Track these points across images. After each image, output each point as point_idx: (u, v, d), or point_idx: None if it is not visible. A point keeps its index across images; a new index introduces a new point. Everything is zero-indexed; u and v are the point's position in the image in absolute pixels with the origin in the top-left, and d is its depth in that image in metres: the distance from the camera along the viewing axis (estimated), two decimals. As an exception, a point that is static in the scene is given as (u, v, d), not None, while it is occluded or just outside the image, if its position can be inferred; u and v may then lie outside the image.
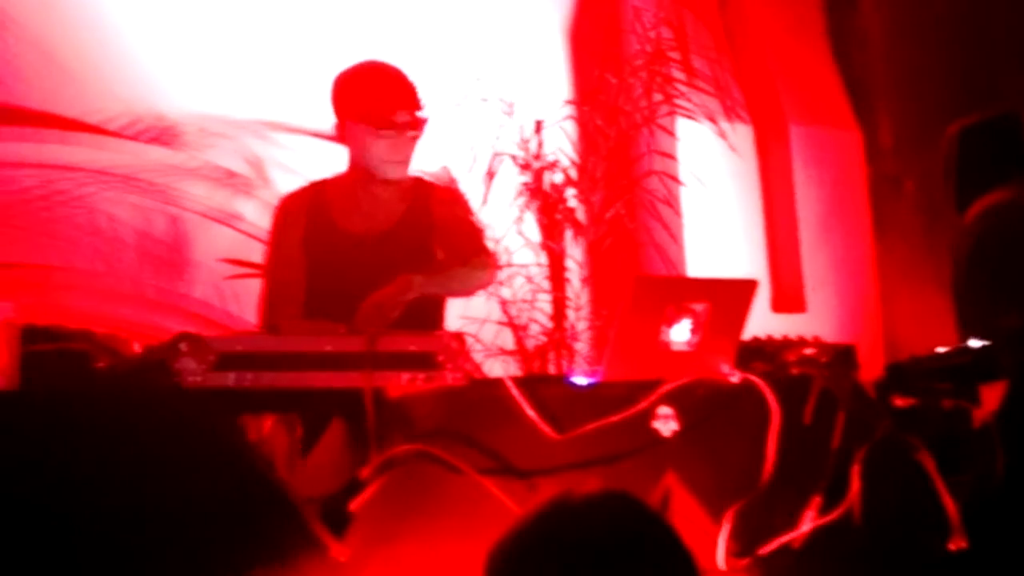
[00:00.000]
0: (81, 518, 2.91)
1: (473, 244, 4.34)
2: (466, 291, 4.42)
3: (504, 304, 6.06)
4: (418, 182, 4.42)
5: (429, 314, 4.23)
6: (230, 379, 3.18)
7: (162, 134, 6.03)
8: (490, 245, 4.42)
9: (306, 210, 4.35)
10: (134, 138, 5.98)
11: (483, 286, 4.55)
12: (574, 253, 6.24)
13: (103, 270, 5.92)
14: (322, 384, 3.27)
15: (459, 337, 3.35)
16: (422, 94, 4.32)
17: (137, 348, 6.12)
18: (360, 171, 4.30)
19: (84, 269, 5.89)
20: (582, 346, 6.17)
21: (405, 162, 4.27)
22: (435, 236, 4.31)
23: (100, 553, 2.92)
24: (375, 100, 4.24)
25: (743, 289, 3.71)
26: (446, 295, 4.33)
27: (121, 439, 3.00)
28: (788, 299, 6.87)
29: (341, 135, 4.31)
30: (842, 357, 3.77)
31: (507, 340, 6.10)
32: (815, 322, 6.44)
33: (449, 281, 4.23)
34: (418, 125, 4.25)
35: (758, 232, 6.98)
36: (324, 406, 3.38)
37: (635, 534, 1.98)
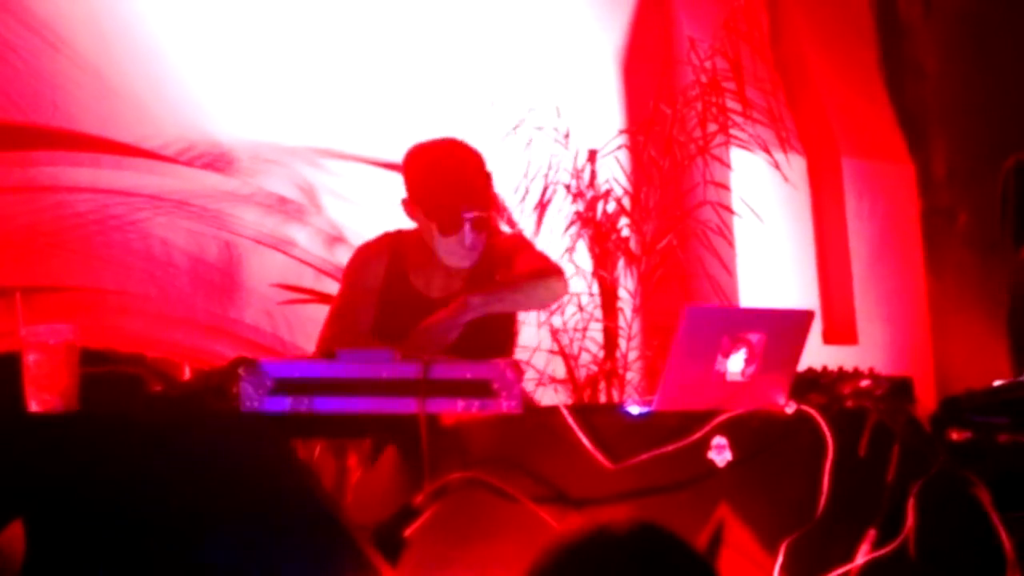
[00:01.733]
0: (140, 540, 2.92)
1: (536, 260, 4.29)
2: (531, 305, 4.33)
3: (555, 333, 6.05)
4: (494, 228, 4.43)
5: (500, 336, 4.21)
6: (286, 404, 3.18)
7: (216, 160, 6.06)
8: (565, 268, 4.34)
9: (386, 263, 4.34)
10: (188, 164, 6.01)
11: (551, 299, 4.44)
12: (626, 283, 6.23)
13: (156, 294, 5.95)
14: (377, 410, 3.27)
15: (514, 365, 3.35)
16: (491, 186, 4.30)
17: (188, 372, 6.17)
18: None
19: (137, 293, 5.92)
20: (633, 376, 6.16)
21: (472, 252, 4.25)
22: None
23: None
24: (443, 203, 4.22)
25: (799, 320, 3.70)
26: (510, 311, 4.26)
27: (179, 462, 3.01)
28: (840, 331, 6.84)
29: (409, 212, 4.32)
30: (898, 390, 3.74)
31: (558, 369, 6.09)
32: (867, 354, 6.40)
33: (511, 295, 4.17)
34: (483, 224, 4.22)
35: (810, 264, 6.96)
36: (379, 432, 3.39)
37: (670, 570, 1.96)
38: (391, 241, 4.39)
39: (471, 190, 4.24)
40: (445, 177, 4.25)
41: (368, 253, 4.41)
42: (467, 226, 4.19)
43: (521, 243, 4.47)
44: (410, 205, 4.29)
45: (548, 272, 4.25)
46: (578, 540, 1.98)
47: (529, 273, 4.21)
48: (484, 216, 4.23)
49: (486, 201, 4.28)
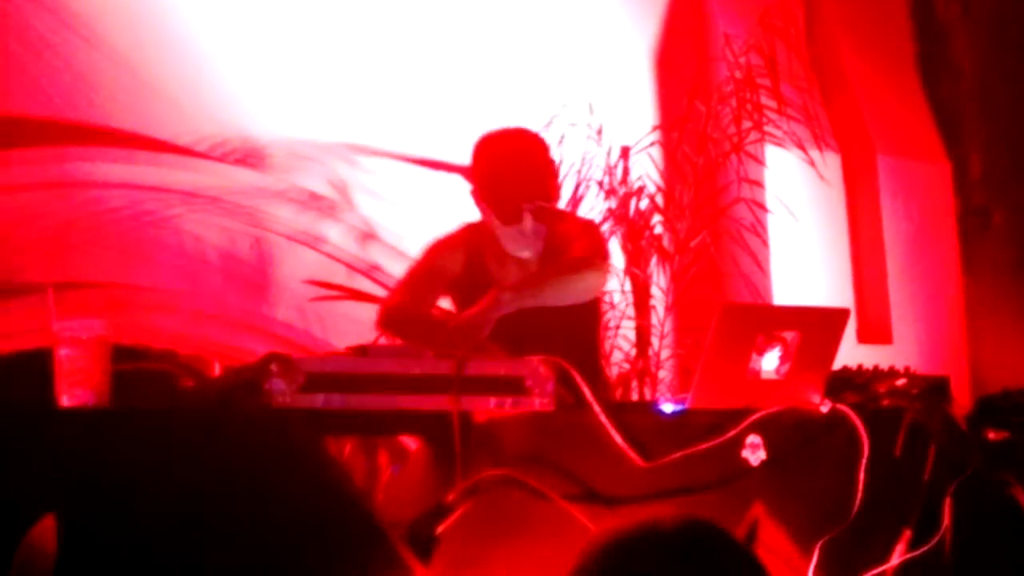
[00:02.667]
0: (171, 536, 2.92)
1: (582, 251, 4.21)
2: (565, 299, 4.15)
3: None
4: (556, 216, 4.35)
5: (582, 335, 4.20)
6: (319, 400, 3.17)
7: (249, 156, 6.07)
8: (604, 251, 4.28)
9: (465, 254, 4.34)
10: (222, 160, 6.01)
11: (586, 293, 4.25)
12: (659, 280, 6.20)
13: (188, 291, 5.96)
14: (410, 407, 3.26)
15: (548, 362, 3.33)
16: (554, 176, 4.31)
17: (218, 369, 6.17)
18: None
19: (169, 289, 5.93)
20: (665, 374, 6.13)
21: (533, 242, 4.23)
22: None
23: (187, 574, 2.93)
24: (502, 192, 4.21)
25: (834, 318, 3.67)
26: (544, 304, 4.11)
27: (211, 459, 3.00)
28: (874, 330, 6.81)
29: (476, 202, 4.31)
30: (935, 389, 3.72)
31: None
32: (901, 354, 6.37)
33: (544, 290, 4.09)
34: (544, 215, 4.20)
35: (844, 262, 6.92)
36: (411, 429, 3.37)
37: (721, 565, 1.95)
38: (470, 233, 4.38)
39: (531, 180, 4.22)
40: (505, 166, 4.24)
41: (450, 243, 4.41)
42: (527, 216, 4.17)
43: (585, 230, 4.40)
44: (476, 195, 4.28)
45: (586, 264, 4.19)
46: (626, 536, 1.96)
47: (566, 265, 4.17)
48: (544, 206, 4.20)
49: (548, 191, 4.25)
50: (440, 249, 4.40)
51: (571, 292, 4.18)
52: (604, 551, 1.96)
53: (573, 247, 4.22)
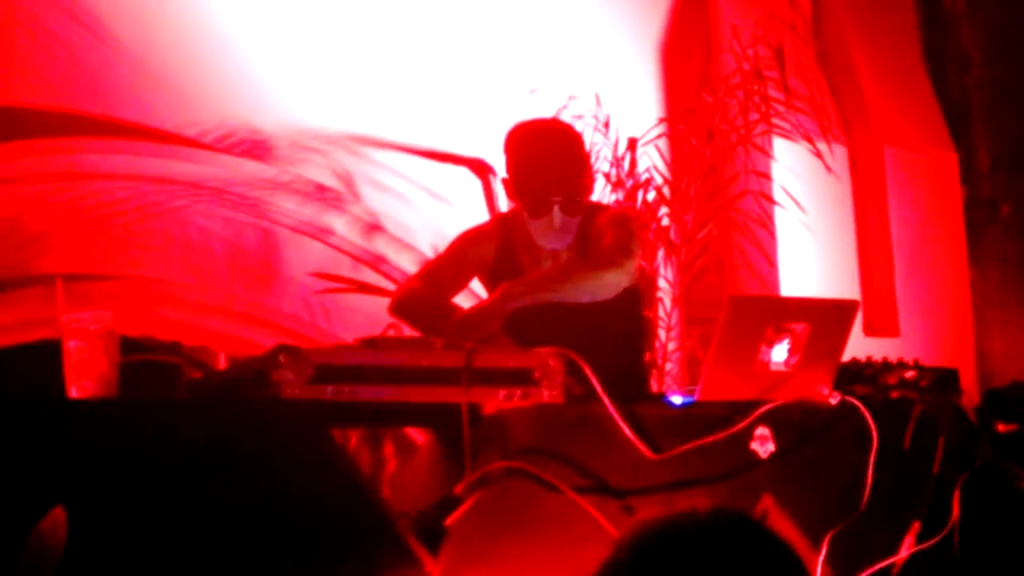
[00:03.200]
0: (179, 527, 2.91)
1: (606, 246, 4.14)
2: (579, 296, 4.07)
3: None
4: (588, 210, 4.28)
5: (628, 335, 4.19)
6: (327, 392, 3.16)
7: (254, 148, 6.06)
8: (628, 247, 4.21)
9: (496, 245, 4.29)
10: (227, 151, 6.01)
11: (602, 291, 4.11)
12: (666, 272, 6.20)
13: (194, 282, 5.95)
14: (419, 399, 3.26)
15: (557, 354, 3.32)
16: (587, 168, 4.26)
17: (224, 361, 6.16)
18: None
19: (175, 281, 5.92)
20: (672, 366, 6.13)
21: (563, 235, 4.18)
22: None
23: (195, 564, 2.92)
24: (528, 181, 4.18)
25: (843, 310, 3.66)
26: (559, 301, 4.05)
27: (218, 449, 3.00)
28: (881, 322, 6.80)
29: (508, 193, 4.28)
30: (944, 381, 3.71)
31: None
32: (908, 346, 6.36)
33: (558, 285, 4.03)
34: (572, 208, 4.15)
35: (851, 254, 6.91)
36: (420, 421, 3.36)
37: (756, 556, 1.94)
38: (502, 223, 4.36)
39: (560, 173, 4.16)
40: (535, 159, 4.20)
41: (481, 233, 4.38)
42: (555, 209, 4.14)
43: (617, 220, 4.28)
44: (507, 185, 4.26)
45: (606, 262, 4.10)
46: (661, 527, 1.96)
47: (584, 261, 4.14)
48: (574, 200, 4.16)
49: (578, 184, 4.20)
50: (470, 239, 4.37)
51: (587, 290, 4.07)
52: (639, 542, 1.95)
53: (601, 241, 4.17)
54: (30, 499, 2.77)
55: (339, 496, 3.06)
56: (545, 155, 4.20)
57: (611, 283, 4.12)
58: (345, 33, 6.20)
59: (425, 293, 4.22)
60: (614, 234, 4.18)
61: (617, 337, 4.12)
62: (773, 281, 6.50)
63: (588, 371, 3.30)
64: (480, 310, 3.92)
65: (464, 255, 4.34)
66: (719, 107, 6.22)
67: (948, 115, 7.23)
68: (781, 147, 6.38)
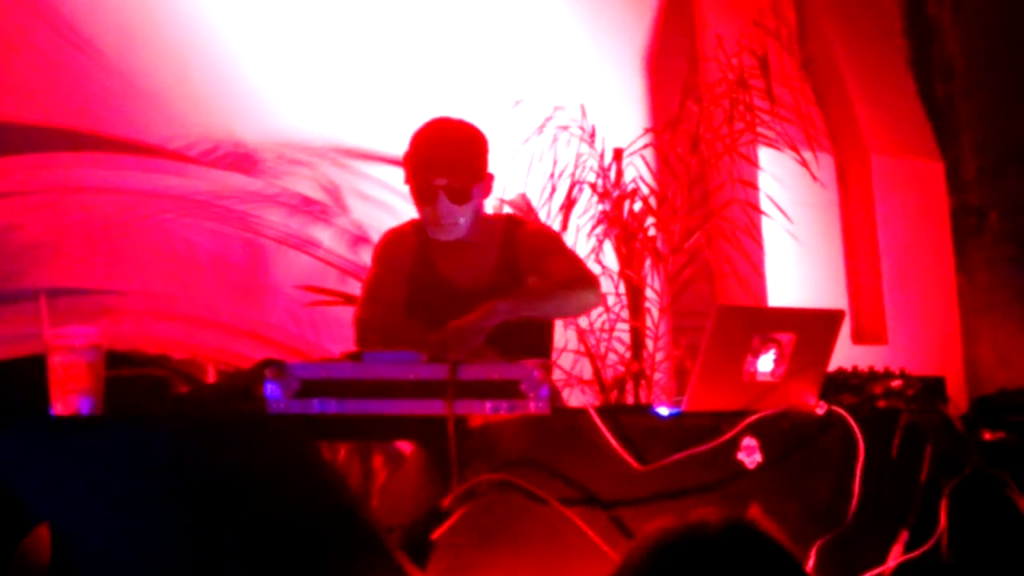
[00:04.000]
0: (165, 542, 2.90)
1: (570, 267, 4.21)
2: (563, 313, 4.23)
3: (582, 333, 6.02)
4: (507, 221, 4.36)
5: (533, 340, 4.17)
6: (313, 406, 3.16)
7: (240, 161, 6.05)
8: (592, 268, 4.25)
9: (413, 247, 4.30)
10: (213, 165, 6.00)
11: (582, 309, 4.36)
12: (653, 282, 6.19)
13: (181, 296, 5.94)
14: (405, 412, 3.25)
15: (543, 366, 3.32)
16: (476, 159, 4.22)
17: (212, 374, 6.15)
18: None
19: (162, 294, 5.91)
20: (660, 376, 6.12)
21: (451, 226, 4.18)
22: (527, 273, 4.21)
23: (182, 579, 2.91)
24: (415, 167, 4.19)
25: (829, 320, 3.67)
26: (541, 317, 4.18)
27: (205, 464, 2.99)
28: (869, 330, 6.80)
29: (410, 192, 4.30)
30: (930, 390, 3.72)
31: (585, 370, 6.06)
32: (896, 354, 6.37)
33: (542, 303, 4.09)
34: (458, 195, 4.15)
35: (839, 262, 6.92)
36: (407, 434, 3.35)
37: (766, 566, 1.95)
38: (418, 227, 4.33)
39: (444, 158, 4.17)
40: (420, 146, 4.21)
41: (395, 236, 4.37)
42: (440, 195, 4.13)
43: (552, 242, 4.36)
44: (406, 182, 4.27)
45: (582, 282, 4.16)
46: (672, 537, 1.96)
47: (563, 282, 4.13)
48: (457, 186, 4.15)
49: (468, 172, 4.17)
50: (388, 247, 4.35)
51: (567, 308, 4.22)
52: (650, 551, 1.95)
53: (550, 261, 4.19)
54: (15, 517, 2.76)
55: (326, 510, 3.06)
56: (432, 142, 4.21)
57: (590, 302, 4.26)
58: (331, 45, 6.19)
59: (383, 318, 4.18)
60: (568, 257, 4.26)
61: (523, 345, 4.09)
62: (760, 290, 6.50)
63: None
64: (465, 326, 3.91)
65: (390, 263, 4.32)
66: (704, 116, 6.22)
67: (934, 122, 7.24)
68: (767, 156, 6.39)
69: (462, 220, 4.17)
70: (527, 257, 4.22)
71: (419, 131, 4.27)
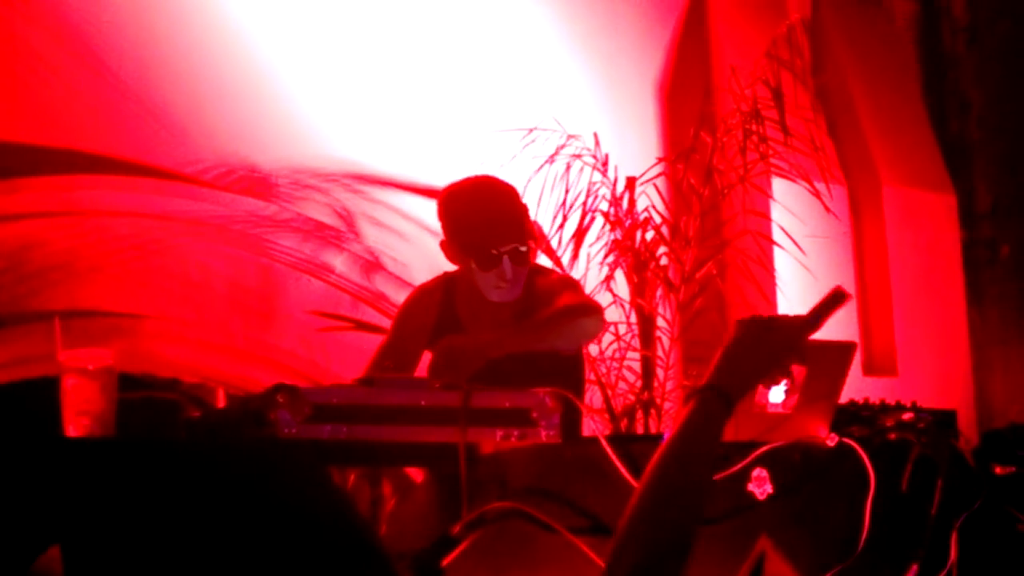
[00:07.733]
0: (175, 567, 2.90)
1: (573, 298, 4.25)
2: (563, 343, 4.22)
3: (593, 362, 6.02)
4: (532, 271, 4.37)
5: (565, 371, 4.18)
6: (325, 431, 3.17)
7: (254, 185, 6.07)
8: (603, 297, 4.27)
9: (438, 302, 4.38)
10: (227, 189, 6.02)
11: (584, 337, 4.35)
12: (664, 312, 6.20)
13: (193, 319, 5.96)
14: (416, 438, 3.26)
15: (554, 395, 3.32)
16: (527, 219, 4.31)
17: (222, 397, 6.16)
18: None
19: (175, 318, 5.93)
20: (671, 406, 6.12)
21: (514, 286, 4.25)
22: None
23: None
24: (474, 236, 4.23)
25: (841, 352, 3.65)
26: (545, 348, 4.16)
27: (216, 489, 2.99)
28: (880, 362, 6.80)
29: (449, 254, 4.33)
30: (942, 423, 3.71)
31: (595, 398, 6.06)
32: (907, 386, 6.36)
33: (544, 333, 4.12)
34: (521, 258, 4.22)
35: (851, 294, 6.91)
36: (417, 460, 3.35)
37: None
38: (445, 282, 4.42)
39: (505, 224, 4.24)
40: (479, 213, 4.26)
41: (422, 293, 4.46)
42: (505, 260, 4.20)
43: (567, 284, 4.42)
44: (448, 246, 4.30)
45: (582, 310, 4.21)
46: None
47: (562, 310, 4.17)
48: (521, 249, 4.22)
49: (522, 234, 4.27)
50: (412, 306, 4.44)
51: (569, 337, 4.21)
52: None
53: (559, 298, 4.23)
54: (26, 539, 2.76)
55: (336, 536, 3.06)
56: (486, 208, 4.27)
57: (591, 330, 4.29)
58: (345, 72, 6.22)
59: (394, 371, 4.20)
60: (574, 293, 4.31)
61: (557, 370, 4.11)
62: (772, 321, 6.48)
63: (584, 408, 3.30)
64: (464, 348, 3.93)
65: (409, 323, 4.39)
66: (718, 147, 6.23)
67: (947, 155, 7.25)
68: (780, 187, 6.40)
69: (521, 277, 4.25)
70: (541, 304, 4.27)
71: (462, 196, 4.32)
